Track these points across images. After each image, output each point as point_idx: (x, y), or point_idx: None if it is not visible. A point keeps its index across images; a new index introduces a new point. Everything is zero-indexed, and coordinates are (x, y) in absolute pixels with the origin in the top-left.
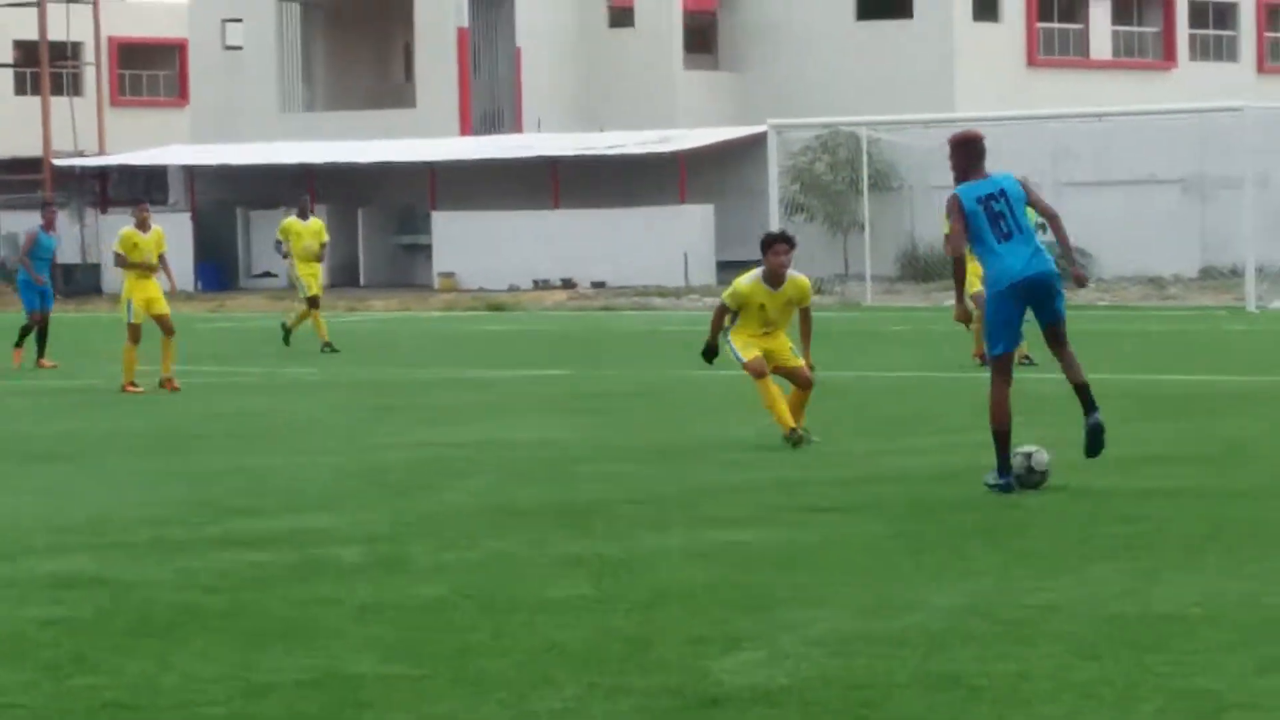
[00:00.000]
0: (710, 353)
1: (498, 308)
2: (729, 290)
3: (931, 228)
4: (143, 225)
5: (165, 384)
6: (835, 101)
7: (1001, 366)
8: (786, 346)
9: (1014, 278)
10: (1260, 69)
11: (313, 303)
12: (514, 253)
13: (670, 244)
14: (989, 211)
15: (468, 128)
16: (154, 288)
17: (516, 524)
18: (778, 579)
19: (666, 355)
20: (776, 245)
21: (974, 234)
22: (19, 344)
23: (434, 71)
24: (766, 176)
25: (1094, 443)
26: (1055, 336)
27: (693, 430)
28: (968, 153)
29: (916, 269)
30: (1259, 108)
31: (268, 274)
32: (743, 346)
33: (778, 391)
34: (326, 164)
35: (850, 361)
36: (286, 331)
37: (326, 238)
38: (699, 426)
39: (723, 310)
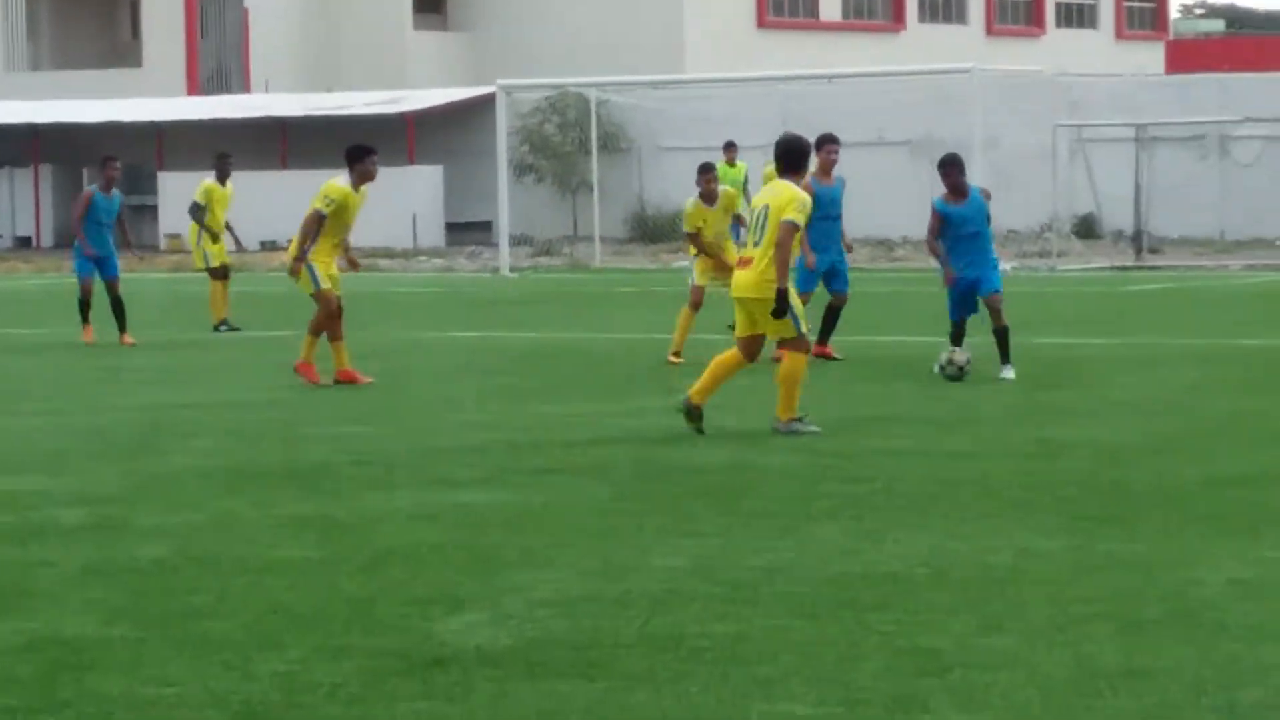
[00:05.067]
0: None
1: None
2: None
3: (660, 190)
4: None
5: None
6: (565, 63)
7: None
8: None
9: None
10: (989, 31)
11: (221, 273)
12: (242, 214)
13: (399, 205)
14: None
15: (195, 88)
16: None
17: (243, 485)
18: (504, 540)
19: (395, 317)
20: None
21: None
22: (85, 320)
23: (161, 31)
24: (495, 138)
25: None
26: None
27: (421, 392)
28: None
29: (645, 230)
30: (987, 70)
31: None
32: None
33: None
34: (52, 124)
35: (579, 323)
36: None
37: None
38: (427, 389)
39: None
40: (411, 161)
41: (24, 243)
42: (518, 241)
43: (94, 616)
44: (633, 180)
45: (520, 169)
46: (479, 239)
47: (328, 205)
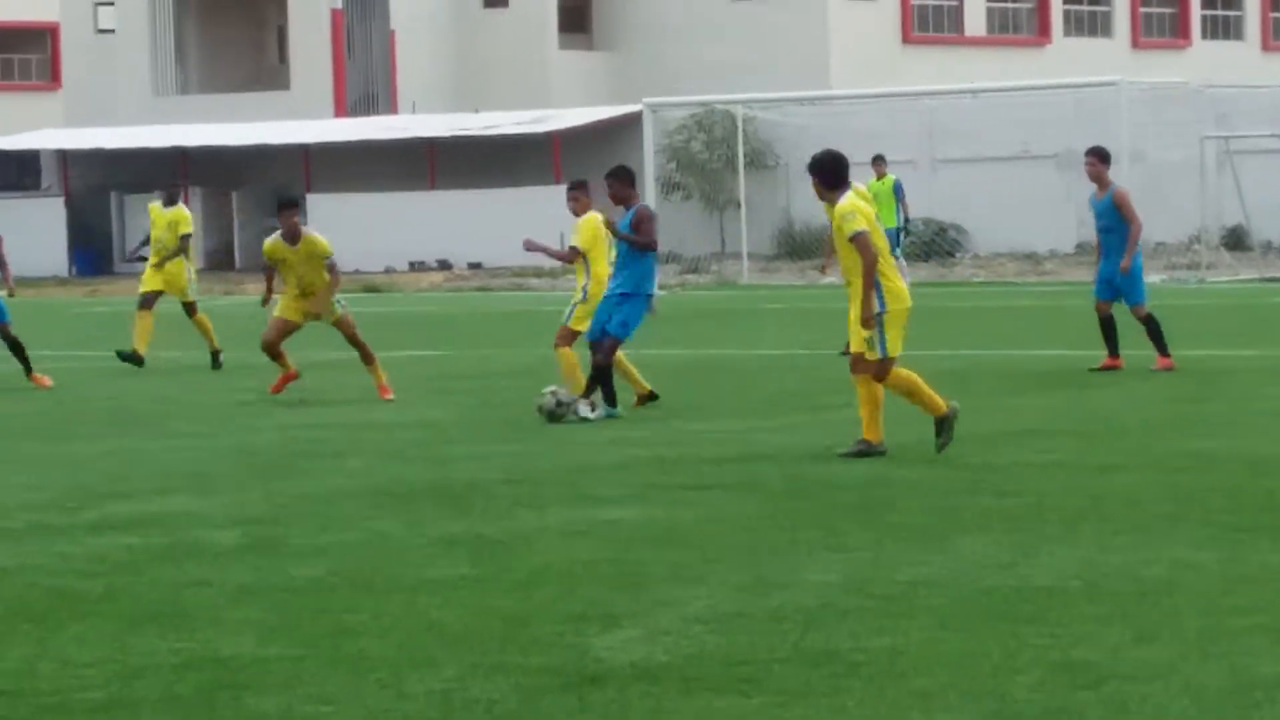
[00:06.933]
0: None
1: (373, 289)
2: None
3: (807, 206)
4: None
5: None
6: (710, 80)
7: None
8: None
9: None
10: (1135, 44)
11: (142, 302)
12: (390, 234)
13: (546, 224)
14: None
15: (342, 110)
16: None
17: (394, 505)
18: (655, 557)
19: (543, 335)
20: None
21: None
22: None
23: (308, 54)
24: (642, 156)
25: None
26: None
27: None
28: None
29: (793, 247)
30: (1134, 82)
31: (142, 258)
32: None
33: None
34: (201, 147)
35: (726, 340)
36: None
37: (188, 229)
38: None
39: None
40: (558, 180)
41: None
42: (665, 259)
43: (251, 636)
44: (780, 196)
45: (667, 187)
46: None
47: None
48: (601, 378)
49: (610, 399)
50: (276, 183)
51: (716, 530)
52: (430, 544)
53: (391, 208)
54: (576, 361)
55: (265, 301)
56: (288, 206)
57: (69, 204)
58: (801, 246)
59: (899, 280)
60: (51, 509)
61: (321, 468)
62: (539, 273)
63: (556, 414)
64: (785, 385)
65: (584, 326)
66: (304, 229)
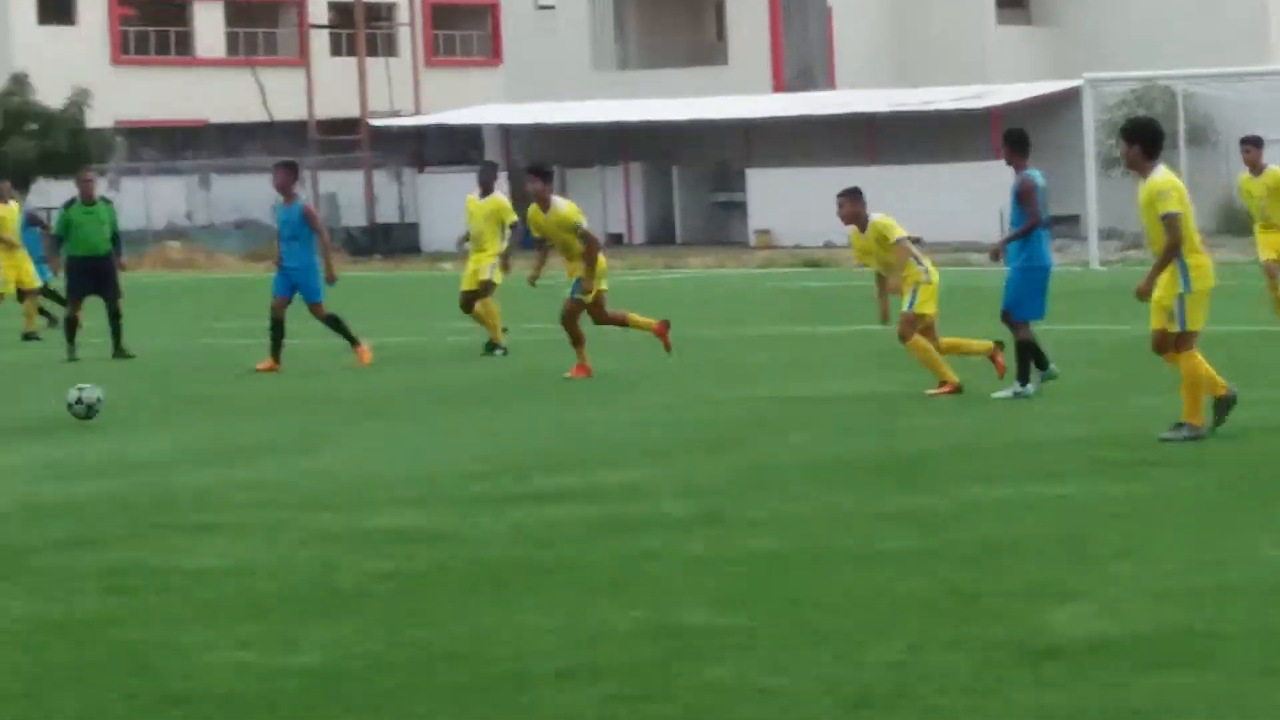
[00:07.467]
0: None
1: (814, 264)
2: None
3: None
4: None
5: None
6: (1149, 55)
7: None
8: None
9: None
10: None
11: (469, 298)
12: (830, 209)
13: (985, 201)
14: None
15: (780, 85)
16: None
17: (842, 477)
18: (1106, 532)
19: (983, 311)
20: None
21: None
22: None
23: (746, 30)
24: (1081, 132)
25: None
26: None
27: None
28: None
29: (1235, 223)
30: None
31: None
32: None
33: None
34: (641, 122)
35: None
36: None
37: (514, 217)
38: None
39: None
40: (997, 157)
41: (615, 239)
42: (1106, 235)
43: (705, 605)
44: (1221, 172)
45: (1107, 163)
46: (1065, 232)
47: None
48: (1029, 352)
49: (1039, 363)
50: (716, 158)
51: (1167, 506)
52: (879, 517)
53: (831, 183)
54: (929, 348)
55: (533, 281)
56: (532, 174)
57: (511, 179)
58: (1243, 225)
59: (1205, 257)
60: (502, 478)
61: (769, 440)
62: (979, 249)
63: (81, 412)
64: (1235, 361)
65: (929, 309)
66: (553, 198)
